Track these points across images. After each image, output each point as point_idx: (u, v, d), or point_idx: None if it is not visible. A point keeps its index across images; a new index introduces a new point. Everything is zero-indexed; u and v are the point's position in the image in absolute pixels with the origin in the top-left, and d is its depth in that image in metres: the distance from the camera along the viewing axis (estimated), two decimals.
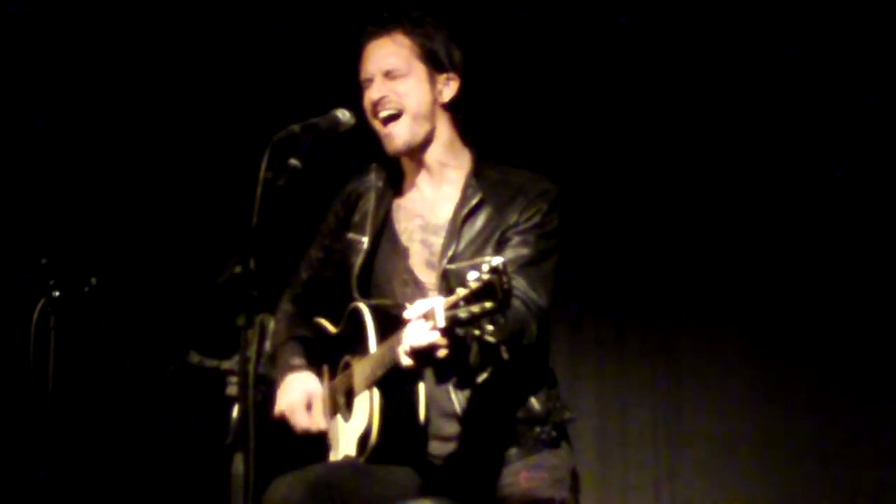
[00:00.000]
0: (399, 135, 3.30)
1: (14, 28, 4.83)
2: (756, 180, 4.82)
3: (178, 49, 4.93)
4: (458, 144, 3.36)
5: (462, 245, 3.23)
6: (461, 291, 2.76)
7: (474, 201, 3.26)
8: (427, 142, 3.32)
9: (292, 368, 3.39)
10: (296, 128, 3.00)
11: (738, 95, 4.81)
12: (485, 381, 3.03)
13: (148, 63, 4.93)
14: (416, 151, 3.33)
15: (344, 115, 3.20)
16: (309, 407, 3.33)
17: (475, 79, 3.41)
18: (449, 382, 3.10)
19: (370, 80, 3.33)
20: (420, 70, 3.31)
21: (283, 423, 3.34)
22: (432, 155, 3.33)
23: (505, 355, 2.96)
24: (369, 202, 3.40)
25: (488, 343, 2.88)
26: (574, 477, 3.27)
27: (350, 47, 3.41)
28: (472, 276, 2.75)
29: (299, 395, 3.34)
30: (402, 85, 3.30)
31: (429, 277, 3.27)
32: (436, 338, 2.83)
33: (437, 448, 3.19)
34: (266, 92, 4.86)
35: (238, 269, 2.61)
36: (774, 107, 4.79)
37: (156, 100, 4.94)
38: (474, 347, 2.92)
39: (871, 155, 4.70)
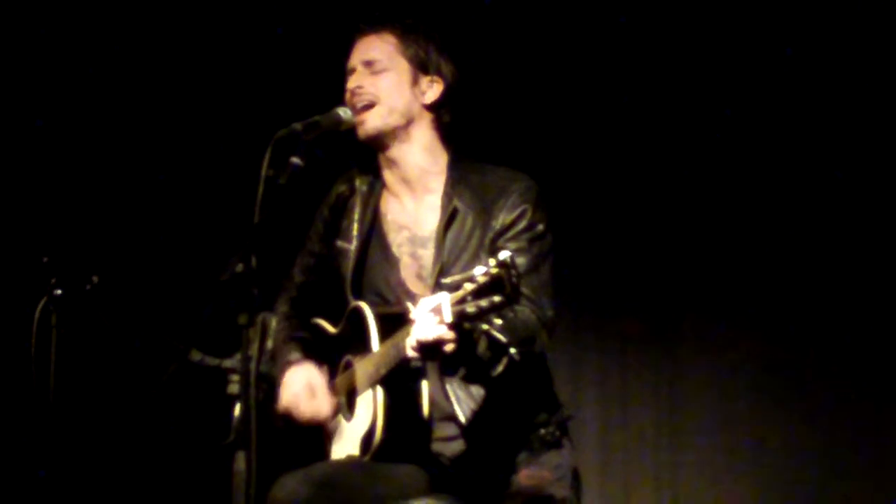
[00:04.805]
0: (370, 121, 3.28)
1: (15, 28, 4.83)
2: (759, 183, 4.81)
3: (179, 47, 4.93)
4: (439, 148, 3.34)
5: (451, 257, 3.22)
6: (469, 286, 2.76)
7: (450, 211, 3.24)
8: (401, 136, 3.30)
9: (290, 363, 3.38)
10: (297, 126, 3.01)
11: (740, 96, 4.80)
12: (499, 375, 2.99)
13: (149, 62, 4.93)
14: (389, 144, 3.30)
15: (346, 113, 3.23)
16: (312, 395, 3.32)
17: (466, 91, 3.38)
18: (456, 376, 3.09)
19: (352, 70, 3.34)
20: (403, 67, 3.30)
21: (288, 420, 3.32)
22: (412, 159, 3.31)
23: (517, 357, 2.97)
24: (355, 208, 3.39)
25: (498, 340, 2.90)
26: (575, 476, 3.26)
27: (347, 46, 3.41)
28: (479, 271, 2.76)
29: (301, 385, 3.32)
30: (382, 79, 3.29)
31: (420, 290, 3.24)
32: (443, 332, 2.83)
33: (439, 447, 3.19)
34: (267, 90, 4.86)
35: (240, 268, 2.62)
36: (776, 107, 4.78)
37: (156, 98, 4.95)
38: (482, 342, 2.91)
39: (873, 156, 4.70)
